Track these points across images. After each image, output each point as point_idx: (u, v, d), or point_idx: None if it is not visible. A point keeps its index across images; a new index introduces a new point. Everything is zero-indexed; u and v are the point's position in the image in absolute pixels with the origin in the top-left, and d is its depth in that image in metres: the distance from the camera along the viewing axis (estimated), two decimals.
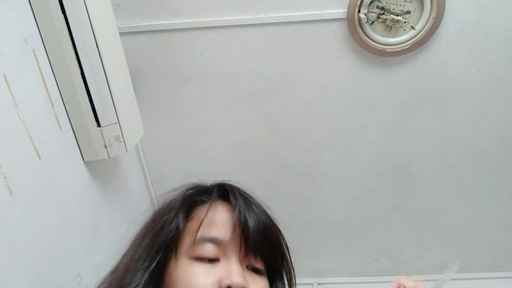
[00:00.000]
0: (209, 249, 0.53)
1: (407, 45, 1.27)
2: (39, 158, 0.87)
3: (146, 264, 0.54)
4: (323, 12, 1.25)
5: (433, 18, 1.22)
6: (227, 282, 0.50)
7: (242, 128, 1.49)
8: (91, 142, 1.03)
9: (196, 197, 0.61)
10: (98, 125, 1.02)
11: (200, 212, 0.59)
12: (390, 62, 1.34)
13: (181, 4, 1.26)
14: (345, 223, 1.68)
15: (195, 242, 0.54)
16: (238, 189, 0.62)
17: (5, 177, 0.75)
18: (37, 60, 0.89)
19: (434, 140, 1.49)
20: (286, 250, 0.61)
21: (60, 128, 0.96)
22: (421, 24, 1.24)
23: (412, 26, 1.25)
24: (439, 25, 1.25)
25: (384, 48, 1.28)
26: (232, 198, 0.59)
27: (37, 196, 0.86)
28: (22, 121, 0.81)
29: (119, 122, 1.04)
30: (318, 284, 1.78)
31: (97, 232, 1.13)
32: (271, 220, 0.60)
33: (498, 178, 1.56)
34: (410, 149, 1.51)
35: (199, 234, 0.55)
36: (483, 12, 1.24)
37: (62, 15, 0.89)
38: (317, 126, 1.48)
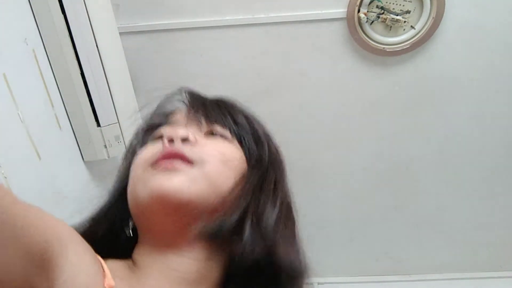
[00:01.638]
0: (164, 129, 0.50)
1: (407, 44, 1.27)
2: (39, 158, 0.87)
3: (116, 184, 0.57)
4: (323, 11, 1.25)
5: (433, 17, 1.22)
6: (168, 136, 0.46)
7: None
8: (91, 142, 1.03)
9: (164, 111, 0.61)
10: (98, 125, 1.02)
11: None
12: (390, 62, 1.34)
13: (181, 4, 1.26)
14: (345, 223, 1.68)
15: (147, 130, 0.54)
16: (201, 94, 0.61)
17: (5, 177, 0.75)
18: (37, 60, 0.89)
19: (434, 139, 1.49)
20: (248, 117, 0.57)
21: (60, 128, 0.96)
22: (421, 23, 1.24)
23: (412, 26, 1.25)
24: (439, 25, 1.25)
25: (384, 47, 1.28)
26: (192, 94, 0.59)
27: (37, 196, 0.86)
28: (22, 121, 0.81)
29: (119, 122, 1.04)
30: (319, 284, 1.77)
31: None
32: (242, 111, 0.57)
33: (498, 177, 1.56)
34: (410, 148, 1.51)
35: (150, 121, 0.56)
36: (482, 12, 1.24)
37: (62, 15, 0.90)
38: (317, 125, 1.48)
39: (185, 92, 0.60)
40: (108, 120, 1.03)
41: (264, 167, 0.52)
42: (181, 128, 0.47)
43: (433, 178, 1.58)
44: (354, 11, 1.22)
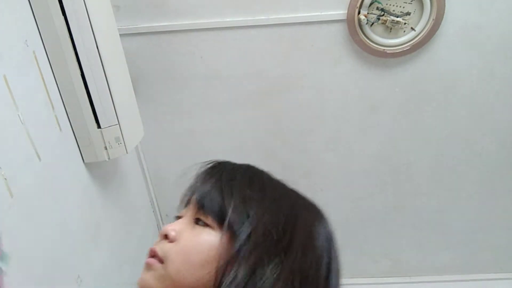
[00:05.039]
0: (181, 212, 0.61)
1: (407, 46, 1.27)
2: (39, 159, 0.87)
3: None
4: (323, 13, 1.26)
5: (433, 19, 1.22)
6: (158, 237, 0.57)
7: (242, 129, 1.49)
8: (91, 144, 1.03)
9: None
10: (98, 126, 1.02)
11: None
12: (390, 63, 1.34)
13: (181, 5, 1.27)
14: (345, 224, 1.67)
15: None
16: (226, 166, 0.63)
17: (5, 179, 0.75)
18: (37, 62, 0.89)
19: (434, 141, 1.49)
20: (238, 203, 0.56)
21: (60, 129, 0.96)
22: (421, 25, 1.24)
23: (412, 28, 1.25)
24: (439, 27, 1.25)
25: (384, 49, 1.28)
26: (209, 171, 0.62)
27: (37, 198, 0.86)
28: (22, 123, 0.81)
29: (119, 123, 1.04)
30: None
31: (97, 233, 1.13)
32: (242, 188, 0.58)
33: (499, 179, 1.56)
34: (410, 150, 1.51)
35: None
36: (483, 13, 1.24)
37: (62, 17, 0.90)
38: (317, 127, 1.48)
39: (211, 166, 0.65)
40: (109, 121, 1.03)
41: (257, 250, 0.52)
42: (168, 226, 0.57)
43: (433, 180, 1.58)
44: (354, 13, 1.23)
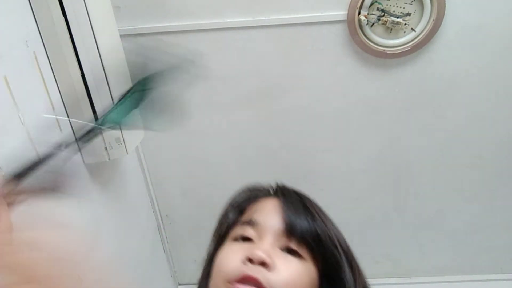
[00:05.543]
0: (246, 231, 0.57)
1: (408, 47, 1.27)
2: None
3: (209, 255, 0.63)
4: (323, 14, 1.26)
5: (433, 20, 1.22)
6: (248, 255, 0.52)
7: (243, 130, 1.49)
8: (91, 144, 1.03)
9: (251, 194, 0.66)
10: None
11: (253, 206, 0.63)
12: (390, 64, 1.34)
13: (182, 6, 1.27)
14: (345, 225, 1.67)
15: (238, 226, 0.60)
16: (292, 189, 0.65)
17: None
18: (37, 62, 0.89)
19: (434, 141, 1.49)
20: (335, 243, 0.60)
21: (61, 130, 0.96)
22: (422, 26, 1.24)
23: (412, 28, 1.25)
24: (439, 27, 1.25)
25: (384, 50, 1.28)
26: (280, 192, 0.63)
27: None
28: (22, 124, 0.81)
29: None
30: None
31: (97, 234, 1.13)
32: (321, 216, 0.61)
33: (499, 179, 1.56)
34: (411, 150, 1.51)
35: (242, 219, 0.60)
36: (483, 14, 1.24)
37: (62, 17, 0.90)
38: (318, 127, 1.48)
39: (278, 187, 0.66)
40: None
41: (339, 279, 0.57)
42: (260, 250, 0.52)
43: (433, 180, 1.58)
44: (354, 13, 1.23)
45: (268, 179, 1.73)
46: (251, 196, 0.65)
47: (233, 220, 0.62)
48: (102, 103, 1.00)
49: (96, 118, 0.53)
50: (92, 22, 0.92)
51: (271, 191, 0.66)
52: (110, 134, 1.04)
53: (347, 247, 0.62)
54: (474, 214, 1.64)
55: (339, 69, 1.35)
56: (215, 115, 1.47)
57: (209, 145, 1.53)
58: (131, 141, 1.10)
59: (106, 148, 1.05)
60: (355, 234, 1.70)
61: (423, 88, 1.38)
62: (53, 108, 0.94)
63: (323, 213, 0.62)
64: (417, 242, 1.72)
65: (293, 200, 0.61)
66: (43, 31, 0.91)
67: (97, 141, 1.04)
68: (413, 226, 1.68)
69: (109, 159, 1.06)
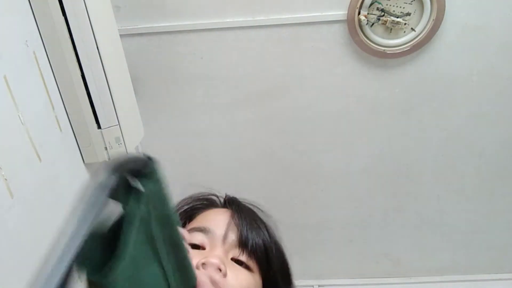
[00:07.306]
0: (197, 237, 0.57)
1: (407, 47, 1.27)
2: (40, 160, 0.87)
3: None
4: (323, 14, 1.26)
5: (433, 19, 1.22)
6: (202, 260, 0.51)
7: (243, 130, 1.49)
8: (91, 144, 1.03)
9: (200, 202, 0.67)
10: (99, 127, 1.02)
11: (203, 214, 0.63)
12: (390, 64, 1.34)
13: (182, 6, 1.27)
14: (345, 225, 1.67)
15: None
16: (243, 202, 0.66)
17: (6, 179, 0.75)
18: (37, 62, 0.89)
19: (435, 142, 1.49)
20: (279, 257, 0.63)
21: (61, 130, 0.96)
22: (421, 26, 1.24)
23: (412, 28, 1.25)
24: (439, 27, 1.25)
25: (384, 50, 1.28)
26: (232, 205, 0.64)
27: (38, 198, 0.86)
28: (22, 123, 0.81)
29: (119, 124, 1.04)
30: (319, 286, 1.77)
31: None
32: (268, 230, 0.63)
33: (499, 179, 1.56)
34: (411, 151, 1.51)
35: (191, 225, 0.60)
36: (483, 14, 1.24)
37: (62, 17, 0.90)
38: (317, 127, 1.48)
39: (229, 199, 0.67)
40: (109, 122, 1.02)
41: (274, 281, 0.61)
42: (215, 258, 0.52)
43: (434, 180, 1.58)
44: (354, 13, 1.23)
45: (268, 179, 1.73)
46: (201, 205, 0.66)
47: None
48: (102, 102, 1.00)
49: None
50: (92, 22, 0.92)
51: (220, 202, 0.67)
52: (110, 134, 1.04)
53: (287, 262, 0.66)
54: (474, 214, 1.64)
55: (339, 69, 1.35)
56: (215, 115, 1.47)
57: (209, 145, 1.53)
58: (131, 141, 1.10)
59: (106, 148, 1.05)
60: (356, 234, 1.71)
61: (423, 88, 1.38)
62: (53, 108, 0.94)
63: (270, 228, 0.65)
64: (417, 241, 1.72)
65: (245, 214, 0.62)
66: (43, 31, 0.91)
67: (97, 141, 1.04)
68: (413, 225, 1.68)
69: (109, 159, 1.06)
